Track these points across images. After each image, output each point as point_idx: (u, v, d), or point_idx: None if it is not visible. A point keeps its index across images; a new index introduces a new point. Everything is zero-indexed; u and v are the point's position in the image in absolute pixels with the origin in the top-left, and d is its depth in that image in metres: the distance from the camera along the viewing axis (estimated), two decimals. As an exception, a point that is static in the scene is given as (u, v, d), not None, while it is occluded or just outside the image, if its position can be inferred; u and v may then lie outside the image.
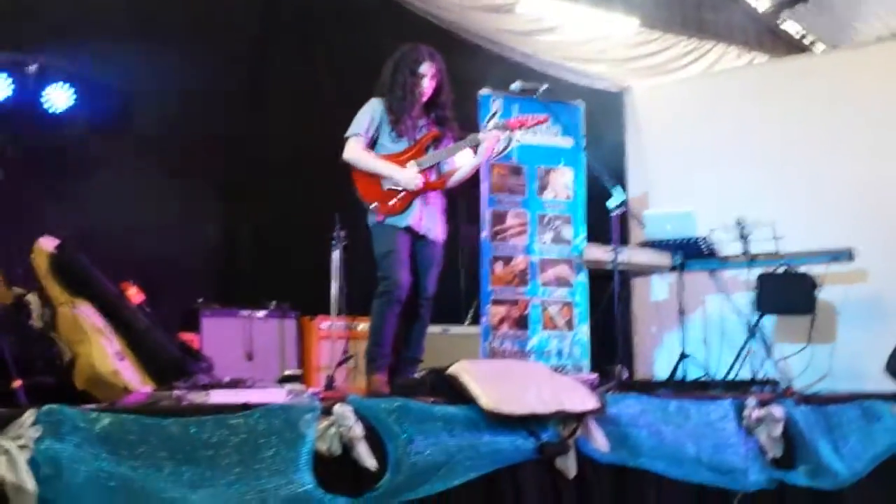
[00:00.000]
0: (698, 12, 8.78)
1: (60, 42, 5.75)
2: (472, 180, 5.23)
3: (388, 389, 4.36)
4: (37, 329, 4.09)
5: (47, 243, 4.40)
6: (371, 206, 4.63)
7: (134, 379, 4.06)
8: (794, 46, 9.47)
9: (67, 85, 5.72)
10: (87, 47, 5.82)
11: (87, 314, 4.24)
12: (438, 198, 4.80)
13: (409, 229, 4.62)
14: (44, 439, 2.43)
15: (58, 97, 5.72)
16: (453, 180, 4.83)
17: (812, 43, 9.57)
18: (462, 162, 4.83)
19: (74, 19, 5.78)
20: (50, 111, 5.74)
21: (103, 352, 4.07)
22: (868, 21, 9.17)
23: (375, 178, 4.65)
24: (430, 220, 4.69)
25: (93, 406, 2.82)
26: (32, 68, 5.63)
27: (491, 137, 4.79)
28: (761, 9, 9.26)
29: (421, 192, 4.64)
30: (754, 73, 8.33)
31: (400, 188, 4.61)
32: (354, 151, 4.67)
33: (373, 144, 4.72)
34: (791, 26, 9.49)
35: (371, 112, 4.72)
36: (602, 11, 7.87)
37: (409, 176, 4.62)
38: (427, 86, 4.70)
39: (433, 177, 4.74)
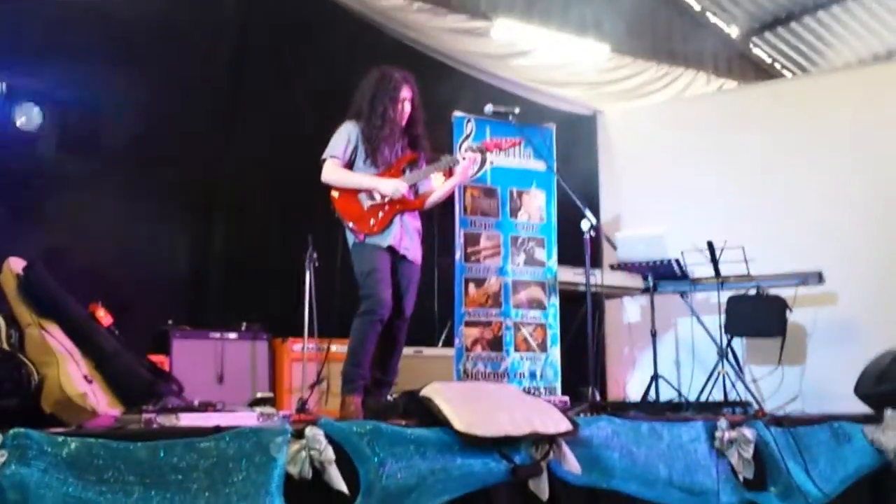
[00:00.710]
0: (669, 39, 8.91)
1: (29, 62, 5.71)
2: (445, 203, 5.24)
3: (362, 412, 4.33)
4: (4, 351, 4.02)
5: (15, 264, 4.34)
6: (350, 226, 4.62)
7: (102, 402, 4.00)
8: (765, 72, 9.62)
9: (35, 105, 5.66)
10: (58, 67, 5.78)
11: (54, 336, 4.18)
12: (415, 219, 4.81)
13: (390, 249, 4.62)
14: (10, 464, 2.40)
15: (26, 117, 5.67)
16: (430, 201, 4.84)
17: (782, 68, 9.72)
18: (436, 183, 4.84)
19: (45, 39, 5.75)
20: (19, 130, 5.68)
21: (71, 374, 4.01)
22: (837, 47, 9.33)
23: (355, 198, 4.65)
24: (409, 240, 4.70)
25: (60, 430, 2.78)
26: (1, 88, 5.58)
27: (469, 159, 4.83)
28: (733, 35, 9.40)
29: (400, 210, 4.64)
30: (725, 99, 8.44)
31: (382, 200, 4.60)
32: (333, 172, 4.67)
33: (349, 167, 4.72)
34: (762, 52, 9.64)
35: (347, 135, 4.71)
36: (574, 37, 7.96)
37: (392, 184, 4.62)
38: (407, 110, 4.72)
39: (411, 197, 4.74)
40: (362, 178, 4.66)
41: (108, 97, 5.99)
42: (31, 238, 5.27)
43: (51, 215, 5.62)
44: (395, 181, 4.63)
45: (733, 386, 6.10)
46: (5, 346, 4.04)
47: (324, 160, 4.69)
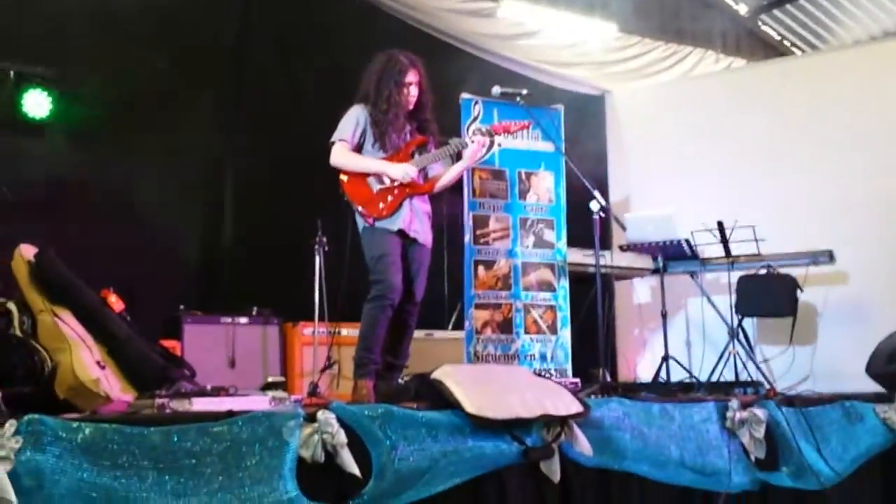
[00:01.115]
0: (677, 17, 8.84)
1: (39, 50, 5.71)
2: (455, 187, 5.24)
3: (373, 396, 4.34)
4: (17, 337, 4.04)
5: (26, 251, 4.35)
6: (360, 210, 4.62)
7: (115, 387, 4.02)
8: (774, 49, 9.55)
9: (46, 92, 5.66)
10: (66, 55, 5.78)
11: (67, 322, 4.20)
12: (425, 202, 4.80)
13: (400, 232, 4.61)
14: (24, 450, 2.41)
15: (36, 105, 5.67)
16: (440, 185, 4.83)
17: (792, 46, 9.65)
18: (445, 167, 4.83)
19: (54, 30, 5.75)
20: (28, 118, 5.68)
21: (84, 360, 4.03)
22: (847, 24, 9.25)
23: (364, 181, 4.64)
24: (419, 223, 4.69)
25: (74, 416, 2.79)
26: (10, 75, 5.58)
27: (477, 142, 4.82)
28: (741, 12, 9.33)
29: (410, 194, 4.64)
30: (734, 77, 8.39)
31: (391, 184, 4.60)
32: (342, 155, 4.66)
33: (358, 151, 4.71)
34: (770, 30, 9.57)
35: (356, 119, 4.70)
36: (581, 16, 7.91)
37: (401, 168, 4.61)
38: (413, 94, 4.70)
39: (420, 181, 4.74)
40: (371, 162, 4.65)
41: (116, 87, 5.99)
42: (41, 225, 5.28)
43: (61, 202, 5.63)
44: (405, 165, 4.62)
45: (744, 366, 6.10)
46: (18, 332, 4.06)
47: (332, 144, 4.68)
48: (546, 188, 6.25)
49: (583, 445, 3.51)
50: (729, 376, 6.11)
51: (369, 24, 6.95)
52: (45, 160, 5.72)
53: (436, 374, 3.49)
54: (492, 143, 5.07)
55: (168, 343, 5.22)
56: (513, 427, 3.36)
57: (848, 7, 9.05)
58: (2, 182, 5.03)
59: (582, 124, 7.30)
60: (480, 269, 5.98)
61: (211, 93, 6.47)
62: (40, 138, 5.73)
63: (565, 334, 6.13)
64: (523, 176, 6.19)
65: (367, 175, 4.65)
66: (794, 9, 9.25)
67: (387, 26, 7.05)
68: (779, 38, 9.62)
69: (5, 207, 4.99)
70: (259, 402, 3.41)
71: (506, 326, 5.99)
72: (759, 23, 9.50)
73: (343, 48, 6.52)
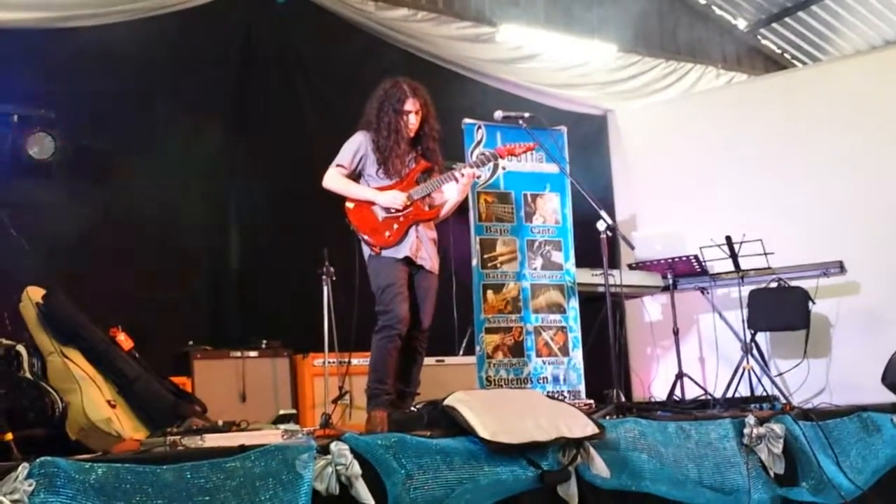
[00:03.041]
0: (675, 35, 8.88)
1: (41, 90, 5.74)
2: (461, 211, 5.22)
3: (388, 426, 4.31)
4: (27, 380, 4.04)
5: (34, 293, 4.37)
6: (366, 238, 4.61)
7: (126, 426, 4.02)
8: (775, 63, 9.57)
9: (47, 135, 5.68)
10: (68, 95, 5.81)
11: (76, 363, 4.20)
12: (431, 229, 4.79)
13: (406, 259, 4.60)
14: (38, 493, 2.39)
15: (39, 147, 5.69)
16: (445, 211, 4.83)
17: (792, 59, 9.67)
18: (450, 193, 4.82)
19: (56, 67, 5.79)
20: (32, 160, 5.70)
21: (95, 400, 4.03)
22: (846, 35, 9.27)
23: (370, 210, 4.64)
24: (425, 250, 4.68)
25: (86, 456, 2.78)
26: (14, 118, 5.61)
27: (467, 175, 4.76)
28: (740, 27, 9.36)
29: (415, 221, 4.63)
30: (735, 92, 8.40)
31: (396, 212, 4.59)
32: (334, 180, 4.67)
33: (358, 178, 4.72)
34: (770, 43, 9.59)
35: (356, 145, 4.71)
36: (581, 38, 7.95)
37: (390, 196, 4.60)
38: (413, 122, 4.70)
39: (425, 208, 4.73)
40: (361, 190, 4.66)
41: (119, 123, 6.02)
42: (49, 266, 5.28)
43: (68, 242, 5.63)
44: (393, 193, 4.61)
45: (759, 381, 6.05)
46: (28, 374, 4.07)
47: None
48: (552, 209, 6.24)
49: (599, 467, 3.48)
50: (744, 392, 6.07)
51: (371, 53, 6.99)
52: (50, 201, 5.73)
53: (448, 401, 3.47)
54: (496, 166, 5.06)
55: (178, 379, 5.19)
56: (528, 451, 3.33)
57: (847, 17, 9.08)
58: (10, 224, 5.04)
59: (585, 144, 7.31)
60: (489, 293, 5.95)
61: (214, 128, 6.48)
62: (45, 179, 5.74)
63: (577, 355, 6.09)
64: (529, 198, 6.19)
65: (373, 203, 4.64)
66: (792, 21, 9.29)
67: (391, 54, 7.09)
68: (779, 51, 9.65)
69: (13, 250, 5.00)
70: (271, 436, 3.38)
71: (517, 350, 5.95)
72: (759, 37, 9.53)
73: (348, 77, 6.56)
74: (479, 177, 4.85)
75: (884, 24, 9.04)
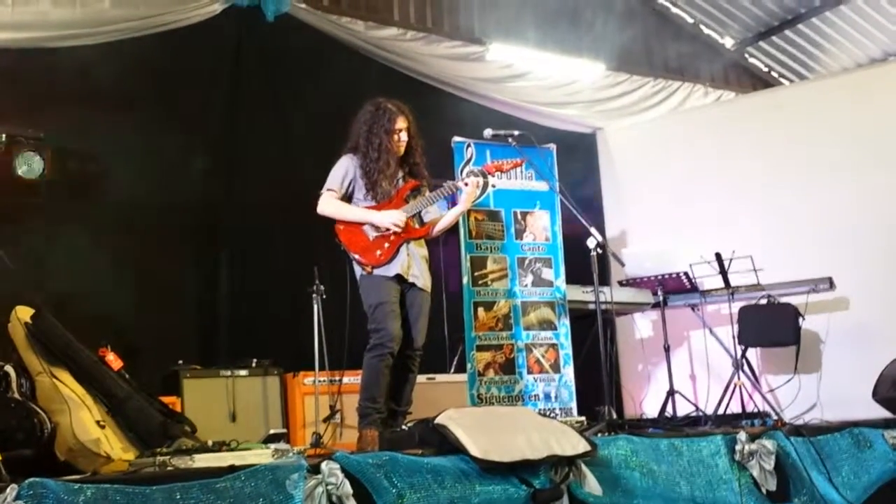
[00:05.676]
0: (663, 53, 8.94)
1: (31, 111, 5.73)
2: (452, 229, 5.23)
3: (379, 445, 4.29)
4: (16, 400, 4.01)
5: (23, 313, 4.34)
6: (356, 258, 4.61)
7: (116, 446, 3.99)
8: (762, 80, 9.64)
9: (36, 154, 5.65)
10: (57, 115, 5.80)
11: (65, 383, 4.17)
12: (422, 247, 4.79)
13: (398, 277, 4.60)
14: (25, 514, 2.37)
15: (28, 166, 5.66)
16: (437, 229, 4.83)
17: (779, 76, 9.73)
18: (440, 210, 4.83)
19: (45, 88, 5.78)
20: (21, 179, 5.67)
21: (84, 420, 4.00)
22: (833, 53, 9.34)
23: (360, 230, 4.64)
24: (417, 268, 4.68)
25: (75, 477, 2.76)
26: (2, 138, 5.59)
27: (471, 183, 4.81)
28: (727, 45, 9.42)
29: (406, 239, 4.63)
30: (723, 109, 8.45)
31: (387, 231, 4.59)
32: (328, 204, 4.68)
33: (349, 200, 4.72)
34: (758, 61, 9.66)
35: (344, 169, 4.72)
36: (569, 57, 7.98)
37: (387, 216, 4.60)
38: (403, 139, 4.72)
39: (416, 225, 4.73)
40: (358, 211, 4.67)
41: (108, 143, 6.01)
42: (38, 285, 5.26)
43: (57, 262, 5.61)
44: (391, 212, 4.62)
45: (750, 397, 6.06)
46: (17, 395, 4.04)
47: (321, 193, 4.69)
48: (542, 227, 6.25)
49: (592, 485, 3.47)
50: (735, 408, 6.07)
51: (360, 73, 7.00)
52: (39, 220, 5.72)
53: (439, 419, 3.45)
54: (486, 183, 5.07)
55: (168, 399, 5.16)
56: (520, 469, 3.32)
57: (833, 36, 9.15)
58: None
59: (575, 162, 7.32)
60: (480, 310, 5.95)
61: (204, 148, 6.48)
62: (34, 199, 5.72)
63: (568, 372, 6.09)
64: (519, 216, 6.20)
65: (363, 223, 4.64)
66: (779, 40, 9.35)
67: (379, 72, 7.11)
68: (766, 69, 9.71)
69: (1, 270, 4.97)
70: (262, 456, 3.36)
71: (508, 367, 5.94)
72: (747, 55, 9.60)
73: (336, 95, 6.55)
74: (479, 186, 4.86)
75: (870, 43, 9.12)
